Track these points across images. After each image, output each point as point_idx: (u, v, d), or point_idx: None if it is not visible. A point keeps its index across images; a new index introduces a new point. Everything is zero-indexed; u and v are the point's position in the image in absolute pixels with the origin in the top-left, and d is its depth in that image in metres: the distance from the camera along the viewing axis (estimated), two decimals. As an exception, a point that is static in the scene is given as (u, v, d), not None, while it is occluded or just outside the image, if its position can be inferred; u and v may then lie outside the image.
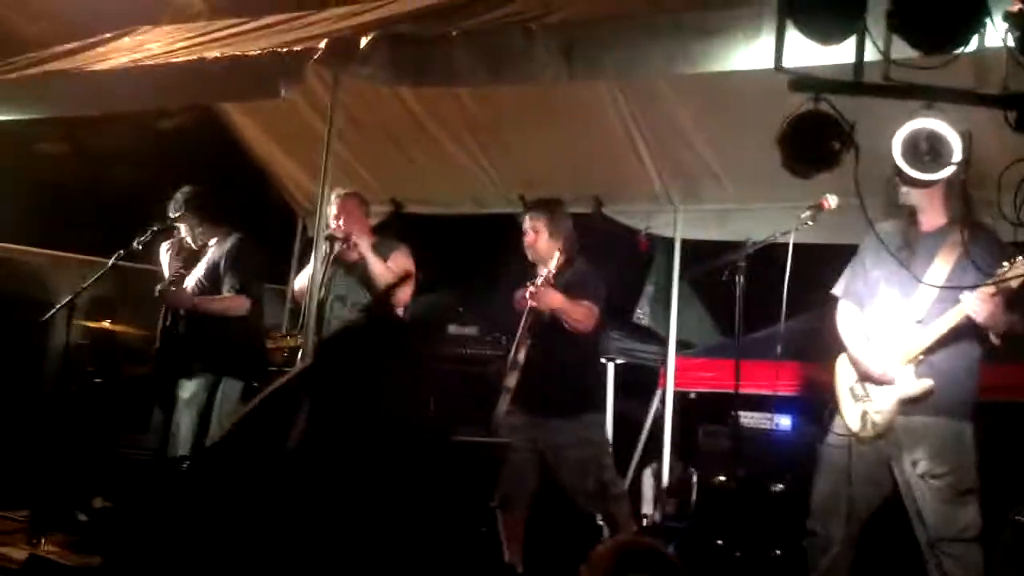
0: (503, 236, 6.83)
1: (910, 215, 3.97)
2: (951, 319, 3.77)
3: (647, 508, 5.84)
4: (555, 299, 4.79)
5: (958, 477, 3.81)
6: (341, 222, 5.20)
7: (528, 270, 5.24)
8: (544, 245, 4.98)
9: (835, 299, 4.23)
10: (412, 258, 5.42)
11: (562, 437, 4.84)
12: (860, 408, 3.99)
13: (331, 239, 5.11)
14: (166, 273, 5.51)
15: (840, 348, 4.15)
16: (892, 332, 3.95)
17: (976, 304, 3.68)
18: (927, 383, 3.84)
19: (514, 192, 6.34)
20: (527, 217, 5.07)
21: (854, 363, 4.07)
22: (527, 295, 4.82)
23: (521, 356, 4.87)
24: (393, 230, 6.44)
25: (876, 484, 3.96)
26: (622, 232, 6.07)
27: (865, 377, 4.00)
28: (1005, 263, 3.63)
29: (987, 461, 3.93)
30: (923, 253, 3.90)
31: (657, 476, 5.87)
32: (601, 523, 5.12)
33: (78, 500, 5.34)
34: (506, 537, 4.94)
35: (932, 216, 3.96)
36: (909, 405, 3.88)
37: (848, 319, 4.16)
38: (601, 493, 4.91)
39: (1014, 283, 3.61)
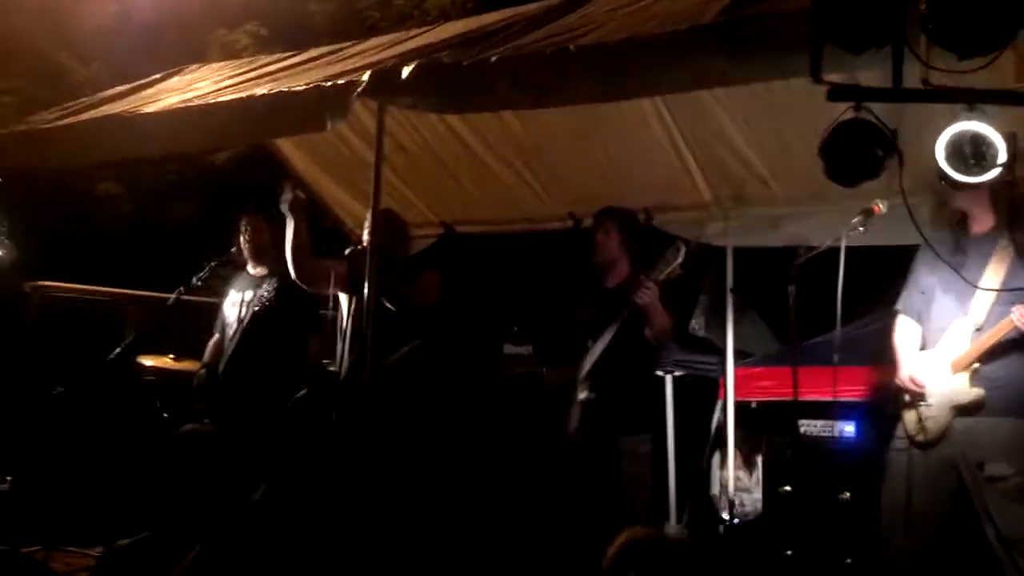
0: (555, 254, 6.85)
1: (959, 220, 3.94)
2: (1000, 331, 3.76)
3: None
4: (656, 302, 4.62)
5: None
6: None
7: (580, 286, 5.24)
8: (614, 249, 4.97)
9: (896, 312, 4.24)
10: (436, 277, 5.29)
11: (625, 449, 4.72)
12: (916, 414, 3.99)
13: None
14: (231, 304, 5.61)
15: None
16: (951, 340, 3.94)
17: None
18: (978, 392, 3.82)
19: (564, 209, 6.36)
20: (599, 219, 5.06)
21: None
22: (640, 290, 4.56)
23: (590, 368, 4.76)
24: (444, 252, 6.49)
25: (941, 489, 3.92)
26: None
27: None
28: None
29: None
30: (975, 257, 3.88)
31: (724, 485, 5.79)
32: None
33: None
34: None
35: (981, 220, 3.94)
36: (966, 411, 3.84)
37: (904, 333, 4.20)
38: (651, 505, 4.88)
39: None
